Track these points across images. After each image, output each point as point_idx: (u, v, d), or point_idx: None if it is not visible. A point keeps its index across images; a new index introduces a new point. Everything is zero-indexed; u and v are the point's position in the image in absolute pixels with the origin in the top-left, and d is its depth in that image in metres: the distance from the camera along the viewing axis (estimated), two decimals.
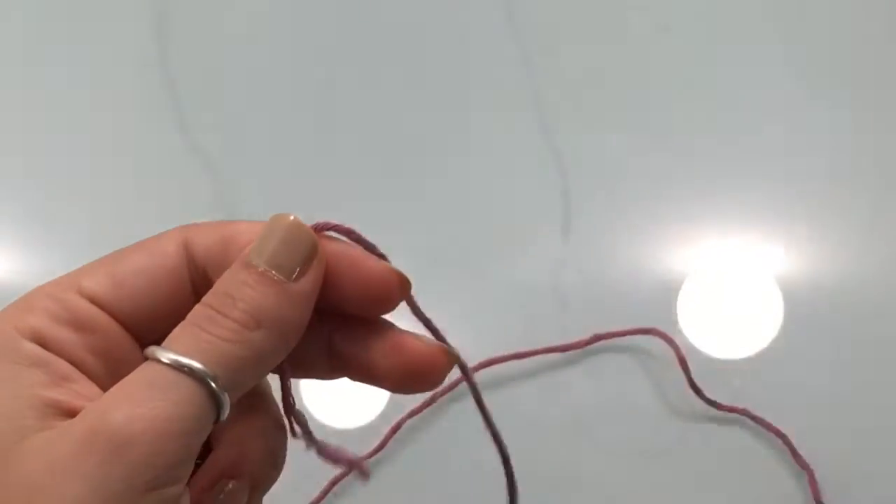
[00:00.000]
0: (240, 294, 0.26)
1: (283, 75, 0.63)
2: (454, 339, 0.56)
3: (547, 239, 0.57)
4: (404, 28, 0.63)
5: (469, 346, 0.56)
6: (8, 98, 0.63)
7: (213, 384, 0.25)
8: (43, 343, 0.26)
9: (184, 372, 0.25)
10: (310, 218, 0.30)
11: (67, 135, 0.62)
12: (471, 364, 0.55)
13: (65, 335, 0.26)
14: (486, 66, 0.62)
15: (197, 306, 0.26)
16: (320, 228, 0.29)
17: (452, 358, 0.31)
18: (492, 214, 0.59)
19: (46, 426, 0.24)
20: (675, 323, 0.55)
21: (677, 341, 0.54)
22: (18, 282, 0.58)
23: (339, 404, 0.55)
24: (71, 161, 0.61)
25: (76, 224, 0.59)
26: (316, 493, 0.54)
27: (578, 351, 0.54)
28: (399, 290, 0.30)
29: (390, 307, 0.29)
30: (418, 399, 0.54)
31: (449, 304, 0.57)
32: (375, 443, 0.54)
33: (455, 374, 0.58)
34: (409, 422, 0.54)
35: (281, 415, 0.30)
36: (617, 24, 0.62)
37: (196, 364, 0.25)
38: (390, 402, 0.55)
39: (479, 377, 0.55)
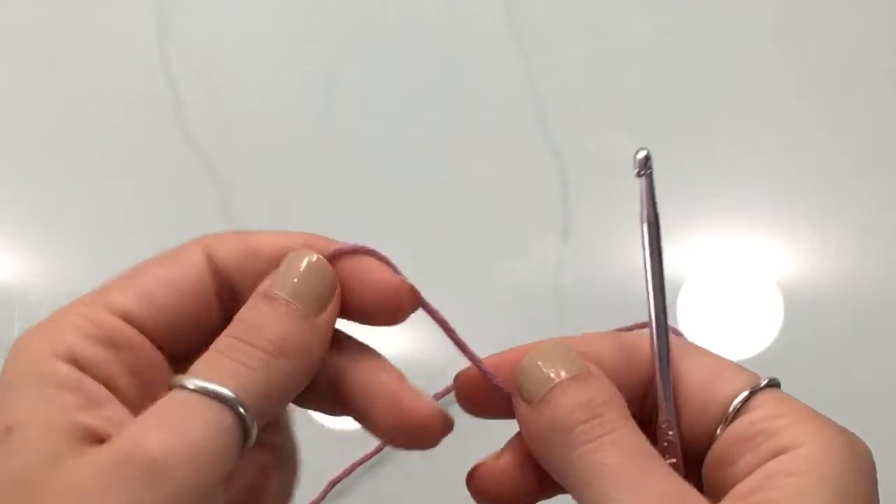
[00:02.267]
0: (266, 323, 0.26)
1: (283, 75, 0.63)
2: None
3: (547, 239, 0.57)
4: (404, 28, 0.63)
5: (469, 346, 0.56)
6: (8, 98, 0.63)
7: (241, 409, 0.25)
8: (77, 363, 0.25)
9: (212, 397, 0.25)
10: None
11: (67, 135, 0.62)
12: (469, 363, 0.55)
13: (98, 354, 0.26)
14: (486, 65, 0.62)
15: (221, 337, 0.27)
16: (341, 253, 0.30)
17: (449, 423, 0.32)
18: (492, 214, 0.59)
19: (80, 452, 0.24)
20: (676, 323, 0.55)
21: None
22: (18, 283, 0.58)
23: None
24: (71, 161, 0.61)
25: (76, 224, 0.59)
26: (316, 493, 0.54)
27: None
28: (409, 302, 0.30)
29: (400, 318, 0.30)
30: None
31: (449, 304, 0.57)
32: (376, 443, 0.54)
33: (454, 373, 0.58)
34: None
35: (297, 447, 0.31)
36: (617, 24, 0.62)
37: (224, 390, 0.25)
38: None
39: None
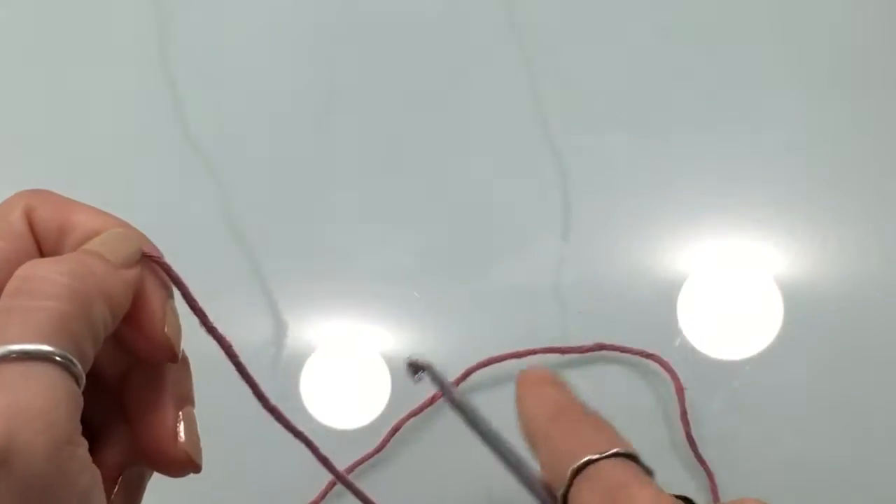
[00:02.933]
0: (62, 265, 0.26)
1: (283, 75, 0.63)
2: (454, 339, 0.57)
3: (547, 239, 0.57)
4: (404, 28, 0.63)
5: (469, 346, 0.56)
6: (8, 98, 0.63)
7: (57, 357, 0.24)
8: None
9: (26, 359, 0.24)
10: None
11: (67, 135, 0.62)
12: (470, 364, 0.55)
13: None
14: (486, 65, 0.62)
15: (19, 282, 0.25)
16: (146, 254, 0.29)
17: (193, 470, 0.29)
18: (492, 214, 0.59)
19: None
20: (676, 323, 0.55)
21: (678, 342, 0.54)
22: None
23: (340, 405, 0.55)
24: (70, 161, 0.61)
25: None
26: (316, 494, 0.54)
27: (578, 355, 0.55)
28: (164, 356, 0.29)
29: (156, 364, 0.29)
30: (418, 399, 0.54)
31: (449, 304, 0.57)
32: (375, 443, 0.54)
33: (454, 375, 0.58)
34: (409, 422, 0.54)
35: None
36: (617, 24, 0.62)
37: (35, 347, 0.24)
38: (390, 403, 0.55)
39: (478, 376, 0.55)
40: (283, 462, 0.55)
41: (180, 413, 0.29)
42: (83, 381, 0.25)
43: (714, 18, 0.62)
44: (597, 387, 0.55)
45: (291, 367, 0.56)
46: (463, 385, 0.55)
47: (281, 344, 0.55)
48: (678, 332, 0.55)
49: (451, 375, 0.55)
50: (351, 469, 0.54)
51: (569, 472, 0.30)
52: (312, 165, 0.61)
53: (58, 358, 0.24)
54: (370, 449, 0.54)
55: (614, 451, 0.30)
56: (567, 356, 0.55)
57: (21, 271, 0.25)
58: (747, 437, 0.54)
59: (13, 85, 0.64)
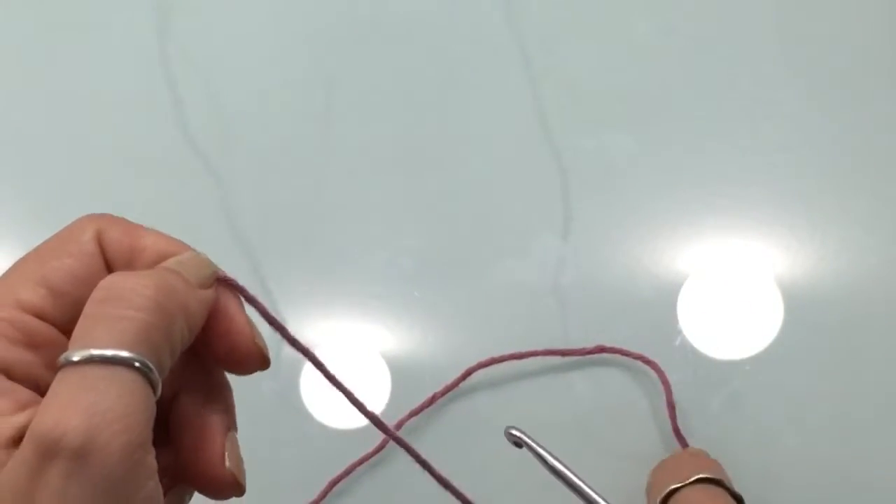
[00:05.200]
0: (147, 279, 0.26)
1: (283, 75, 0.63)
2: (454, 339, 0.57)
3: (547, 239, 0.57)
4: (404, 28, 0.63)
5: (469, 346, 0.56)
6: (8, 98, 0.63)
7: (137, 364, 0.25)
8: (5, 370, 0.26)
9: (108, 363, 0.24)
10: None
11: (67, 135, 0.62)
12: (470, 364, 0.55)
13: (24, 357, 0.26)
14: (486, 65, 0.62)
15: (89, 302, 0.26)
16: (220, 278, 0.30)
17: (238, 493, 0.30)
18: (492, 214, 0.59)
19: (10, 455, 0.24)
20: (676, 323, 0.55)
21: (678, 342, 0.54)
22: None
23: (339, 405, 0.55)
24: (70, 161, 0.61)
25: None
26: (316, 493, 0.54)
27: (578, 356, 0.55)
28: (258, 364, 0.30)
29: (246, 374, 0.30)
30: (418, 399, 0.54)
31: (449, 304, 0.57)
32: (375, 443, 0.54)
33: (454, 374, 0.58)
34: (409, 422, 0.54)
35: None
36: (617, 25, 0.62)
37: (116, 352, 0.25)
38: (390, 403, 0.55)
39: (477, 377, 0.55)
40: (283, 462, 0.55)
41: (226, 436, 0.30)
42: (159, 389, 0.26)
43: (714, 18, 0.62)
44: (597, 388, 0.55)
45: (291, 367, 0.56)
46: (463, 385, 0.55)
47: (281, 344, 0.55)
48: (678, 332, 0.55)
49: (451, 375, 0.55)
50: (351, 469, 0.54)
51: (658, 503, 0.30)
52: (312, 165, 0.61)
53: (138, 365, 0.25)
54: (370, 449, 0.54)
55: (696, 477, 0.31)
56: (567, 358, 0.55)
57: (106, 282, 0.26)
58: (747, 437, 0.54)
59: (13, 85, 0.64)
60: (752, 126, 0.59)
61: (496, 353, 0.54)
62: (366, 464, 0.54)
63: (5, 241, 0.60)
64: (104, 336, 0.25)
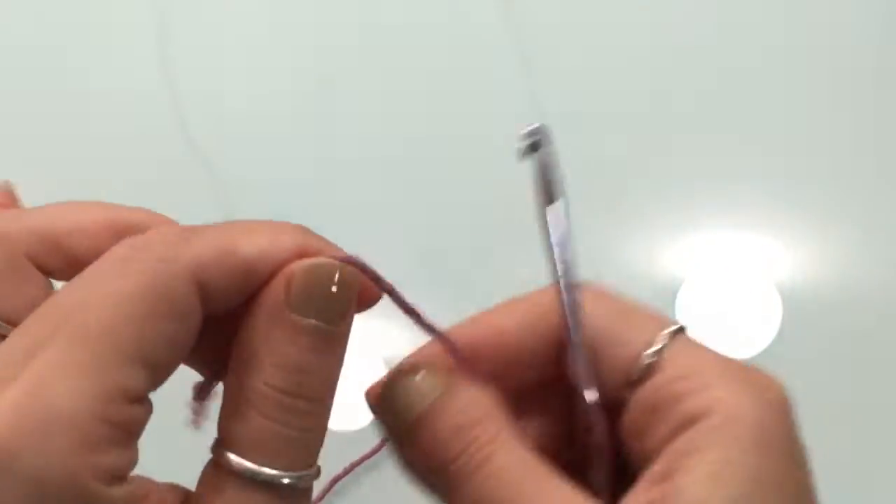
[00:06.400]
0: (308, 365, 0.24)
1: (283, 76, 0.63)
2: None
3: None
4: (403, 28, 0.63)
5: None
6: (7, 99, 0.63)
7: (299, 485, 0.24)
8: (117, 478, 0.23)
9: (265, 484, 0.24)
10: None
11: (67, 135, 0.62)
12: None
13: (132, 454, 0.23)
14: (485, 65, 0.62)
15: (261, 387, 0.24)
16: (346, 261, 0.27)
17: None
18: (491, 214, 0.59)
19: None
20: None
21: None
22: None
23: (339, 405, 0.55)
24: (70, 161, 0.61)
25: None
26: (317, 492, 0.54)
27: None
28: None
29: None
30: None
31: (448, 304, 0.57)
32: (375, 443, 0.54)
33: None
34: None
35: None
36: (617, 24, 0.62)
37: (276, 472, 0.24)
38: None
39: None
40: None
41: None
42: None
43: (714, 18, 0.62)
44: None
45: None
46: None
47: None
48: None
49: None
50: (351, 468, 0.54)
51: (663, 335, 0.27)
52: (312, 165, 0.61)
53: (288, 482, 0.24)
54: (370, 449, 0.54)
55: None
56: None
57: (284, 357, 0.24)
58: None
59: (13, 85, 0.64)
60: (752, 126, 0.59)
61: None
62: (365, 464, 0.54)
63: None
64: (288, 456, 0.24)
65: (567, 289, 0.29)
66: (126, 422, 0.23)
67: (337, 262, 0.26)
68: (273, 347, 0.24)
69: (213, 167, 0.60)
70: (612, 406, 0.27)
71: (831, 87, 0.60)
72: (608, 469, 0.27)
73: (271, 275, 0.25)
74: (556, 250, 0.30)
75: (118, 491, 0.22)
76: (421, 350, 0.29)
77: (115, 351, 0.22)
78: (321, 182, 0.60)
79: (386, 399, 0.27)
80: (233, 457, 0.23)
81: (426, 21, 0.63)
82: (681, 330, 0.27)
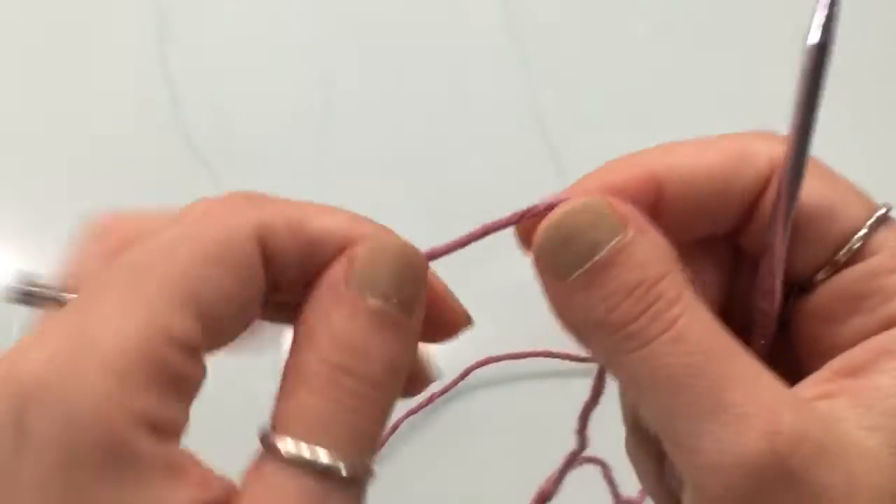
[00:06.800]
0: (365, 344, 0.22)
1: (283, 75, 0.63)
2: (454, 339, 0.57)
3: None
4: (404, 29, 0.63)
5: (468, 346, 0.56)
6: (8, 99, 0.63)
7: (344, 472, 0.22)
8: (157, 430, 0.21)
9: (312, 469, 0.21)
10: None
11: (67, 136, 0.62)
12: (468, 363, 0.55)
13: (177, 412, 0.22)
14: (485, 66, 0.62)
15: (313, 364, 0.22)
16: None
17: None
18: (490, 213, 0.59)
19: None
20: None
21: None
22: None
23: None
24: (70, 162, 0.61)
25: (77, 225, 0.59)
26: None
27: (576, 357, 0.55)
28: (466, 326, 0.27)
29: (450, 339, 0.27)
30: (416, 399, 0.54)
31: None
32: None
33: (453, 374, 0.58)
34: (407, 421, 0.54)
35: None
36: (616, 25, 0.62)
37: (332, 462, 0.21)
38: None
39: (475, 376, 0.55)
40: None
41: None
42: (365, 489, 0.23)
43: (713, 18, 0.62)
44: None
45: None
46: (462, 384, 0.55)
47: (282, 344, 0.56)
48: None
49: (451, 375, 0.55)
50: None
51: (874, 219, 0.24)
52: (312, 165, 0.61)
53: (347, 475, 0.22)
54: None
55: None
56: (566, 362, 0.55)
57: (338, 336, 0.23)
58: None
59: (12, 85, 0.64)
60: (752, 126, 0.59)
61: (495, 354, 0.55)
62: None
63: (4, 242, 0.60)
64: (336, 437, 0.22)
65: (801, 141, 0.26)
66: (170, 369, 0.21)
67: (405, 245, 0.25)
68: (330, 324, 0.23)
69: (213, 167, 0.60)
70: (795, 281, 0.25)
71: (832, 87, 0.60)
72: (769, 343, 0.25)
73: (336, 255, 0.24)
74: (802, 102, 0.26)
75: (154, 446, 0.20)
76: (603, 183, 0.25)
77: (162, 290, 0.21)
78: (321, 182, 0.60)
79: (551, 237, 0.24)
80: (278, 438, 0.22)
81: (426, 21, 0.63)
82: (888, 215, 0.25)
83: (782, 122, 0.61)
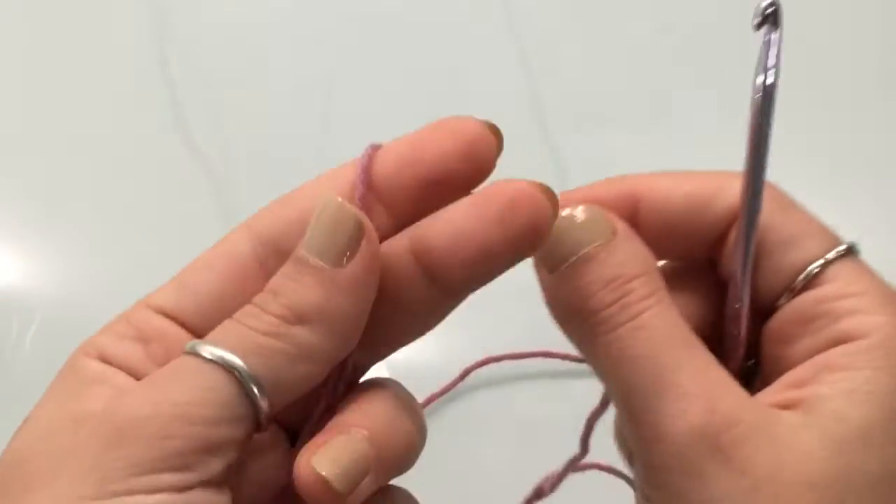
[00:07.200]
0: (281, 288, 0.25)
1: (283, 75, 0.63)
2: (454, 338, 0.57)
3: None
4: (404, 29, 0.63)
5: (468, 346, 0.56)
6: (8, 99, 0.63)
7: (238, 373, 0.24)
8: (106, 359, 0.26)
9: (210, 361, 0.24)
10: None
11: (67, 136, 0.62)
12: (467, 363, 0.55)
13: (127, 349, 0.26)
14: (485, 65, 0.62)
15: (246, 305, 0.25)
16: (369, 159, 0.29)
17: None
18: None
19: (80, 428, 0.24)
20: None
21: None
22: (17, 285, 0.58)
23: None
24: (70, 162, 0.61)
25: (76, 225, 0.60)
26: None
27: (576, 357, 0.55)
28: (497, 144, 0.28)
29: (489, 167, 0.28)
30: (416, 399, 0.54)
31: None
32: None
33: (452, 375, 0.58)
34: None
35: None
36: (616, 25, 0.62)
37: (224, 353, 0.24)
38: None
39: (475, 376, 0.55)
40: None
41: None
42: (263, 413, 0.24)
43: (713, 18, 0.62)
44: (597, 391, 0.55)
45: None
46: (462, 384, 0.55)
47: None
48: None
49: (450, 375, 0.55)
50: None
51: (835, 251, 0.27)
52: (312, 166, 0.60)
53: (236, 373, 0.24)
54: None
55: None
56: (566, 362, 0.55)
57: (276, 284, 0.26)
58: None
59: (12, 85, 0.64)
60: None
61: (495, 354, 0.54)
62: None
63: (4, 242, 0.60)
64: (227, 341, 0.24)
65: (755, 174, 0.29)
66: (141, 324, 0.27)
67: (330, 198, 0.27)
68: (274, 276, 0.26)
69: (213, 167, 0.60)
70: (759, 307, 0.27)
71: (832, 87, 0.60)
72: (738, 364, 0.27)
73: None
74: (754, 139, 0.30)
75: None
76: (586, 194, 0.29)
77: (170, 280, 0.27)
78: None
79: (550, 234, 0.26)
80: (190, 342, 0.25)
81: (426, 21, 0.63)
82: (851, 250, 0.28)
83: (780, 121, 0.61)
